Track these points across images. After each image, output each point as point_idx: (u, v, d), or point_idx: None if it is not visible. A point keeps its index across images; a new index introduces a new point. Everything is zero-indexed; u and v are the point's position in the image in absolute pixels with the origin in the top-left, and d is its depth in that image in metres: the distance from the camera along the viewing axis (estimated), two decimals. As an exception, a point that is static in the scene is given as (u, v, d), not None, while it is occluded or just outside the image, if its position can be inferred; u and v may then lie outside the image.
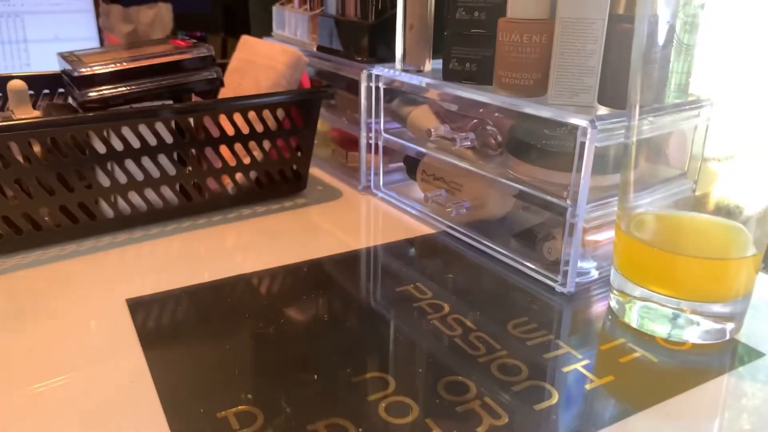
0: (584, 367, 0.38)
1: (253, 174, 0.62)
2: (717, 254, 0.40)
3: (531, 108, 0.46)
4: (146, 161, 0.55)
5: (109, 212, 0.55)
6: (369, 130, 0.65)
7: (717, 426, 0.34)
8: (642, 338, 0.41)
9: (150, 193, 0.56)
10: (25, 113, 0.57)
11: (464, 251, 0.54)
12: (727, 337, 0.41)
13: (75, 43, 1.64)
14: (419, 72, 0.60)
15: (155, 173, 0.56)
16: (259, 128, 0.60)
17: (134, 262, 0.52)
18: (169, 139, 0.55)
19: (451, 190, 0.57)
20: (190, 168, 0.58)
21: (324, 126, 0.77)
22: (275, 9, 0.86)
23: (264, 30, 0.90)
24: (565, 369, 0.38)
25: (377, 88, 0.63)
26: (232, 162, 0.60)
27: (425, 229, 0.59)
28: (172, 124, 0.55)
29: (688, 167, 0.43)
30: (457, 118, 0.56)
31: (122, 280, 0.48)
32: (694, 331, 0.40)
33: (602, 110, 0.46)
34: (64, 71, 0.60)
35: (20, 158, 0.49)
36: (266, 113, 0.60)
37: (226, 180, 0.61)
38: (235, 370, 0.37)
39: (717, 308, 0.40)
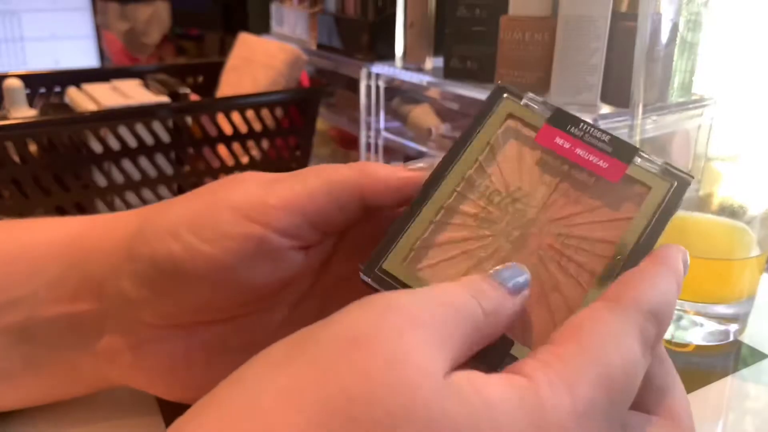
0: (587, 369, 0.38)
1: (251, 173, 0.62)
2: (721, 255, 0.40)
3: (532, 107, 0.46)
4: (143, 161, 0.54)
5: (107, 212, 0.55)
6: (369, 128, 0.65)
7: (720, 428, 0.34)
8: (645, 340, 0.41)
9: (147, 193, 0.56)
10: (21, 113, 0.57)
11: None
12: (731, 338, 0.40)
13: (72, 41, 1.64)
14: (420, 70, 0.59)
15: (152, 173, 0.55)
16: (258, 127, 0.60)
17: (132, 262, 0.51)
18: (166, 138, 0.55)
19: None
20: (187, 167, 0.57)
21: (323, 125, 0.76)
22: (274, 6, 0.86)
23: (263, 27, 0.89)
24: (568, 371, 0.38)
25: (377, 86, 0.62)
26: (230, 161, 0.59)
27: (425, 229, 0.58)
28: (170, 123, 0.55)
29: (692, 167, 0.43)
30: (459, 117, 0.56)
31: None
32: (698, 333, 0.40)
33: (605, 109, 0.45)
34: None
35: (16, 158, 0.49)
36: (264, 112, 0.60)
37: (225, 179, 0.60)
38: (233, 372, 0.37)
39: (721, 309, 0.40)
